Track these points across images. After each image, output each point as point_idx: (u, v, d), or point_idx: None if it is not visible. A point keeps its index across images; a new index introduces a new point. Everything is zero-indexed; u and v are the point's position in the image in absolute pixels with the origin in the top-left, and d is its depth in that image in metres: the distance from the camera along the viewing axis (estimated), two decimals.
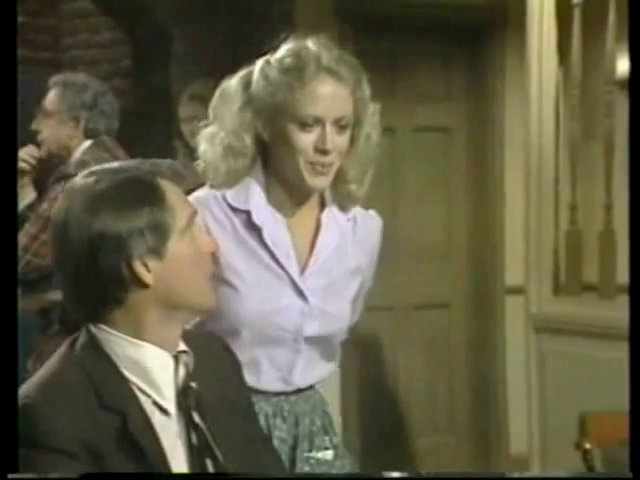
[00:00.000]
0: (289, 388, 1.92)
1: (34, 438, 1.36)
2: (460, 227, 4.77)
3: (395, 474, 1.57)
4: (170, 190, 1.47)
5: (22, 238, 2.97)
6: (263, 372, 1.88)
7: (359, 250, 1.99)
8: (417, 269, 4.70)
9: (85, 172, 1.49)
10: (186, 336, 1.53)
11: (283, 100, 1.83)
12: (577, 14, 3.74)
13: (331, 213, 1.95)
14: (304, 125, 1.82)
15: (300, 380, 1.93)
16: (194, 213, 1.51)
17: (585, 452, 2.37)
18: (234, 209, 1.89)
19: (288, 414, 1.92)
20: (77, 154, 3.08)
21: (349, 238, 1.97)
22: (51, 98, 3.11)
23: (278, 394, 1.91)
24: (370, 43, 4.33)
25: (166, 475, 1.39)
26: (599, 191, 3.76)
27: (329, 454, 1.98)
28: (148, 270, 1.44)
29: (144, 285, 1.44)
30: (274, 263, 1.89)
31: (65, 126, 3.10)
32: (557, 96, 3.88)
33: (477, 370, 4.77)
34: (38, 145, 3.14)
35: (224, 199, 1.89)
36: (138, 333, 1.46)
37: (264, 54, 1.89)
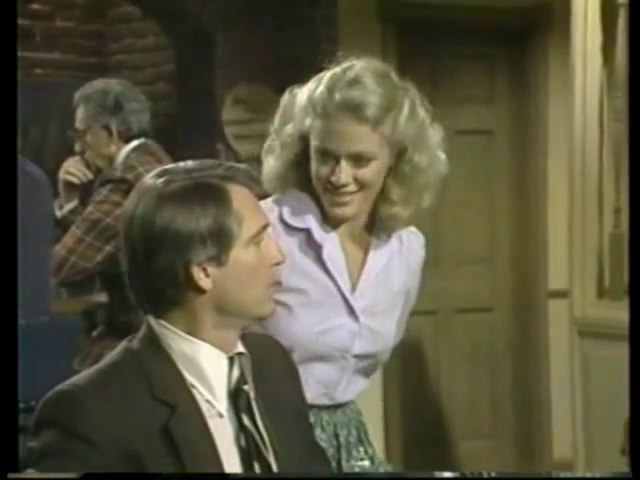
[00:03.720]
0: (331, 403, 1.93)
1: (63, 423, 1.37)
2: (503, 230, 4.75)
3: (447, 474, 1.55)
4: (240, 197, 1.45)
5: (68, 240, 3.00)
6: (309, 388, 1.88)
7: (405, 269, 1.99)
8: (460, 273, 4.68)
9: (158, 170, 1.48)
10: (246, 338, 1.53)
11: (307, 128, 1.83)
12: (622, 14, 3.70)
13: (380, 232, 1.94)
14: (320, 156, 1.82)
15: (341, 396, 1.94)
16: (266, 224, 1.49)
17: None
18: (292, 228, 1.87)
19: (327, 424, 1.93)
20: (120, 158, 3.10)
21: (396, 257, 1.97)
22: (79, 117, 3.13)
23: (318, 407, 1.91)
24: (413, 46, 4.32)
25: (167, 475, 1.38)
26: None
27: (366, 465, 1.98)
28: (207, 275, 1.43)
29: (201, 290, 1.43)
30: (329, 281, 1.88)
31: (100, 137, 3.12)
32: (601, 97, 3.84)
33: (520, 374, 4.74)
34: (87, 163, 3.17)
35: (280, 218, 1.87)
36: (194, 332, 1.46)
37: (321, 69, 1.87)
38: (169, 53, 4.96)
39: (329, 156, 1.81)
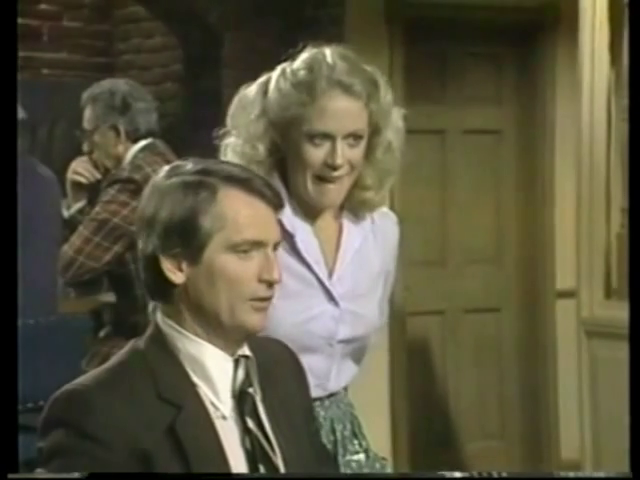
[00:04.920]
0: (324, 394, 1.92)
1: (72, 422, 1.37)
2: (510, 230, 4.74)
3: (457, 474, 1.54)
4: (235, 204, 1.45)
5: (76, 240, 3.01)
6: None
7: (380, 249, 1.98)
8: (467, 273, 4.68)
9: (171, 165, 1.50)
10: (253, 341, 1.52)
11: (295, 114, 1.82)
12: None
13: (351, 215, 1.94)
14: (314, 140, 1.81)
15: (334, 385, 1.93)
16: (264, 240, 1.46)
17: None
18: None
19: (324, 420, 1.92)
20: (128, 158, 3.11)
21: (370, 238, 1.96)
22: (86, 117, 3.15)
23: (314, 400, 1.88)
24: (420, 46, 4.32)
25: (166, 475, 1.38)
26: None
27: (361, 457, 1.97)
28: (179, 269, 1.43)
29: (172, 283, 1.44)
30: (306, 270, 1.87)
31: (107, 137, 3.13)
32: (609, 97, 3.84)
33: (528, 375, 4.74)
34: (95, 163, 3.18)
35: None
36: (196, 332, 1.46)
37: (284, 61, 1.87)
38: (177, 53, 4.96)
39: (324, 138, 1.80)
